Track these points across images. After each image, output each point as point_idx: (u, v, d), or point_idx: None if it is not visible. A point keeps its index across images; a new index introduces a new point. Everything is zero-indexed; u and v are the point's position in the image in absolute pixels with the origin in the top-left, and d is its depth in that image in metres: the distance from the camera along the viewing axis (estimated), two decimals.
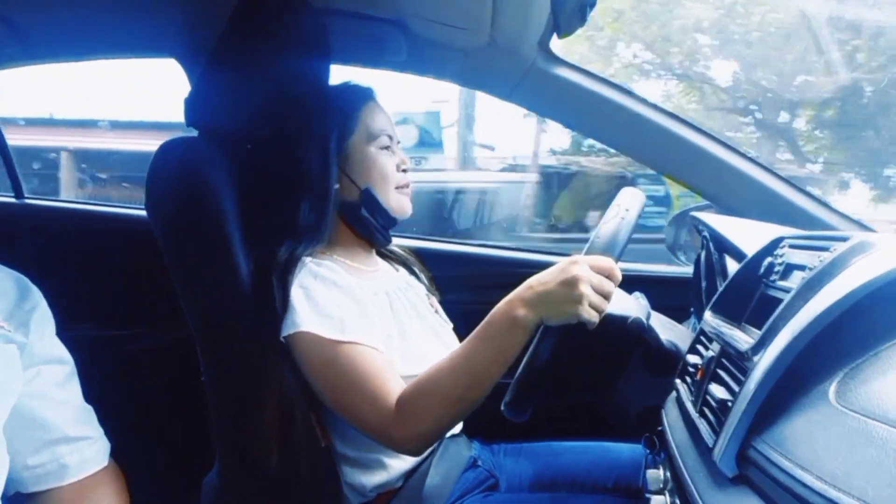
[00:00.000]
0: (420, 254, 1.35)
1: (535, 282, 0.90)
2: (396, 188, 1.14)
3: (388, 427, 0.93)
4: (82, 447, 0.81)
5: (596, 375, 1.11)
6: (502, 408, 0.92)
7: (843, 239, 0.69)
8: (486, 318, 0.93)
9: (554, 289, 0.86)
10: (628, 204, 0.94)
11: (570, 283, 0.85)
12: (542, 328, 0.89)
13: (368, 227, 1.13)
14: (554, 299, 0.86)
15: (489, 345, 0.90)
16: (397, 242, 1.30)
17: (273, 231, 1.06)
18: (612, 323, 0.94)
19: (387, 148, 1.14)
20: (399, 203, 1.14)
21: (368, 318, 1.02)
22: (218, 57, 1.15)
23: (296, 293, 0.99)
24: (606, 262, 0.88)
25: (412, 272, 1.27)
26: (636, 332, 1.05)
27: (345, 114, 1.12)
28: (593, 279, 0.86)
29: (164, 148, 1.09)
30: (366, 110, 1.13)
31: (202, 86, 1.18)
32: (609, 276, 0.87)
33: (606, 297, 0.87)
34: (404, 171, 1.16)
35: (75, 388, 0.83)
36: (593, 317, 0.86)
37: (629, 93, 1.45)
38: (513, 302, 0.90)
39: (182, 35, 1.50)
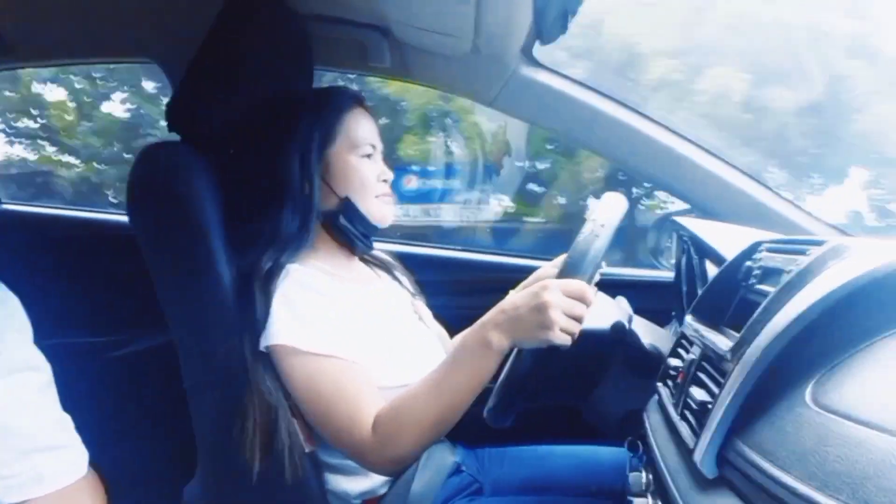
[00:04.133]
0: (403, 258, 1.35)
1: (508, 306, 0.91)
2: (376, 197, 1.13)
3: (363, 451, 0.96)
4: (59, 456, 0.80)
5: (577, 382, 1.12)
6: (485, 414, 0.92)
7: (820, 243, 0.70)
8: (459, 343, 0.96)
9: (525, 314, 0.88)
10: (605, 217, 0.95)
11: (541, 310, 0.87)
12: (517, 349, 0.91)
13: (348, 234, 1.12)
14: (525, 325, 0.88)
15: (463, 369, 0.93)
16: (380, 247, 1.29)
17: (256, 238, 1.05)
18: (590, 338, 0.95)
19: (368, 157, 1.13)
20: (380, 211, 1.13)
21: (350, 329, 1.02)
22: (200, 62, 1.14)
23: (278, 302, 0.99)
24: (578, 285, 0.89)
25: (395, 278, 1.27)
26: (618, 336, 1.06)
27: (328, 122, 1.10)
28: (564, 304, 0.87)
29: (146, 152, 1.08)
30: (350, 118, 1.12)
31: (184, 91, 1.17)
32: (581, 299, 0.89)
33: (578, 319, 0.88)
34: (385, 180, 1.15)
35: (52, 397, 0.82)
36: (565, 340, 0.87)
37: (611, 98, 1.47)
38: (485, 326, 0.92)
39: (164, 39, 1.49)
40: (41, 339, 0.82)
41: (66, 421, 0.83)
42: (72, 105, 4.05)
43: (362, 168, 1.11)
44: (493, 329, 0.91)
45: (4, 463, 0.76)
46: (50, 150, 4.07)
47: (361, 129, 1.12)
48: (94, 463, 0.85)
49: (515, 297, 0.92)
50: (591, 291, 0.90)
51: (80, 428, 0.84)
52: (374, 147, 1.14)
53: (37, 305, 0.84)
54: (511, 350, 0.92)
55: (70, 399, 0.84)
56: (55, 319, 1.00)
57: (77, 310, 1.59)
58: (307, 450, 1.02)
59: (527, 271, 1.28)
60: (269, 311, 0.98)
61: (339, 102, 1.12)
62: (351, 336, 1.01)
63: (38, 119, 4.01)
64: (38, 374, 0.81)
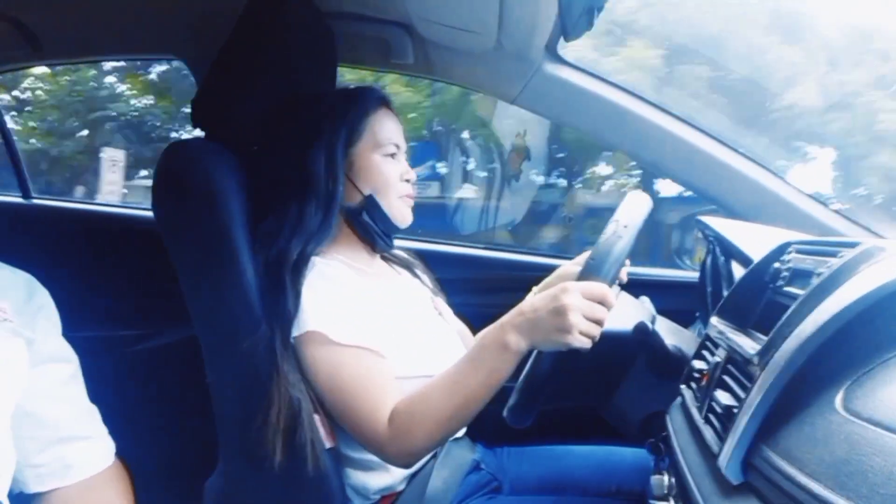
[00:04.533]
0: (423, 256, 1.35)
1: (527, 308, 0.91)
2: (399, 197, 1.13)
3: (380, 441, 0.96)
4: (86, 446, 0.82)
5: (598, 383, 1.11)
6: (505, 413, 0.92)
7: (852, 245, 0.69)
8: (478, 342, 0.95)
9: (544, 317, 0.87)
10: (628, 218, 0.93)
11: (560, 313, 0.86)
12: (536, 351, 0.90)
13: (370, 231, 1.13)
14: (544, 328, 0.88)
15: (480, 368, 0.93)
16: (400, 244, 1.30)
17: (279, 231, 1.06)
18: (612, 339, 0.94)
19: (392, 156, 1.13)
20: (400, 212, 1.14)
21: (374, 321, 1.03)
22: (225, 59, 1.15)
23: (306, 293, 1.00)
24: (599, 288, 0.88)
25: (415, 275, 1.27)
26: (641, 337, 1.05)
27: (354, 120, 1.11)
28: (584, 307, 0.86)
29: (172, 149, 1.09)
30: (375, 118, 1.13)
31: (209, 87, 1.18)
32: (602, 302, 0.87)
33: (599, 322, 0.87)
34: (407, 181, 1.15)
35: (80, 388, 0.84)
36: (585, 343, 0.86)
37: (637, 96, 1.45)
38: (504, 327, 0.92)
39: (190, 36, 1.50)
40: (68, 332, 0.84)
41: (94, 412, 0.85)
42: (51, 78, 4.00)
43: (386, 167, 1.12)
44: (511, 331, 0.90)
45: (34, 452, 0.78)
46: (32, 123, 4.07)
47: (386, 129, 1.13)
48: (119, 455, 0.86)
49: (535, 300, 0.91)
50: (612, 294, 0.89)
51: (105, 420, 0.86)
52: (397, 147, 1.14)
53: (64, 298, 0.85)
54: (529, 352, 0.91)
55: (95, 391, 0.85)
56: (82, 312, 1.01)
57: (103, 303, 1.62)
58: (328, 445, 1.03)
59: (547, 270, 1.27)
60: (300, 302, 0.99)
61: (365, 102, 1.13)
62: (373, 328, 1.02)
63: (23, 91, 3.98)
64: (66, 365, 0.83)
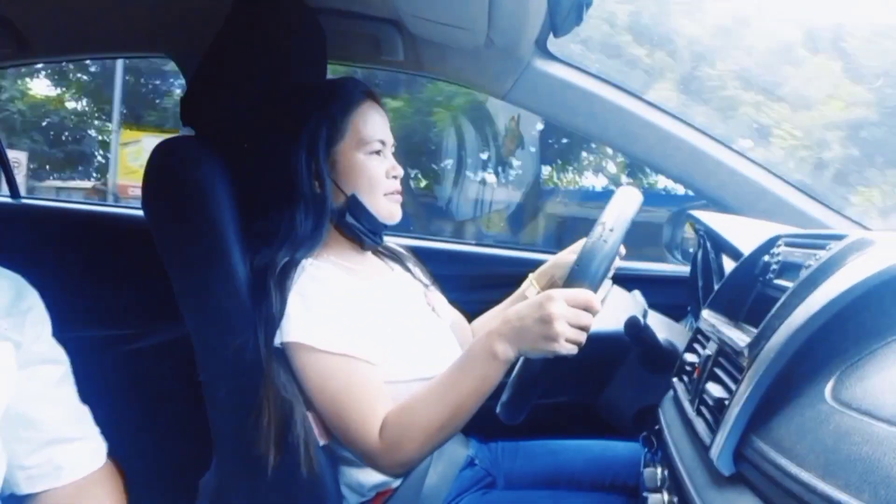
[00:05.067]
0: (416, 252, 1.35)
1: (513, 316, 0.91)
2: (385, 195, 1.11)
3: (372, 453, 0.96)
4: (77, 448, 0.81)
5: (590, 379, 1.12)
6: (498, 410, 0.92)
7: (840, 237, 0.69)
8: (466, 350, 0.96)
9: (530, 325, 0.88)
10: (614, 220, 0.93)
11: (546, 321, 0.86)
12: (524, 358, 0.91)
13: (355, 232, 1.11)
14: (530, 336, 0.88)
15: (469, 377, 0.93)
16: (392, 240, 1.29)
17: (271, 236, 1.05)
18: (603, 339, 0.95)
19: (377, 153, 1.10)
20: (387, 210, 1.11)
21: (365, 325, 1.02)
22: (214, 56, 1.14)
23: (294, 300, 0.99)
24: (584, 294, 0.88)
25: (407, 269, 1.26)
26: (633, 332, 1.05)
27: (335, 118, 1.08)
28: (569, 315, 0.87)
29: (161, 147, 1.08)
30: (358, 114, 1.09)
31: (197, 85, 1.17)
32: (586, 309, 0.88)
33: (584, 329, 0.88)
34: (394, 177, 1.12)
35: (70, 389, 0.83)
36: (571, 350, 0.87)
37: (626, 91, 1.45)
38: (491, 336, 0.92)
39: (178, 33, 1.49)
40: (59, 333, 0.83)
41: (85, 413, 0.84)
42: None
43: (370, 166, 1.09)
44: (498, 340, 0.91)
45: (24, 454, 0.77)
46: None
47: (370, 126, 1.10)
48: (111, 455, 0.86)
49: (520, 307, 0.92)
50: (597, 300, 0.89)
51: (97, 420, 0.85)
52: (383, 143, 1.11)
53: (55, 299, 0.84)
54: (517, 360, 0.92)
55: (87, 392, 0.85)
56: (73, 313, 1.01)
57: (94, 303, 1.60)
58: (322, 443, 1.03)
59: (539, 265, 1.28)
60: (285, 308, 0.98)
61: (347, 97, 1.10)
62: (364, 333, 1.01)
63: None
64: (56, 366, 0.82)
